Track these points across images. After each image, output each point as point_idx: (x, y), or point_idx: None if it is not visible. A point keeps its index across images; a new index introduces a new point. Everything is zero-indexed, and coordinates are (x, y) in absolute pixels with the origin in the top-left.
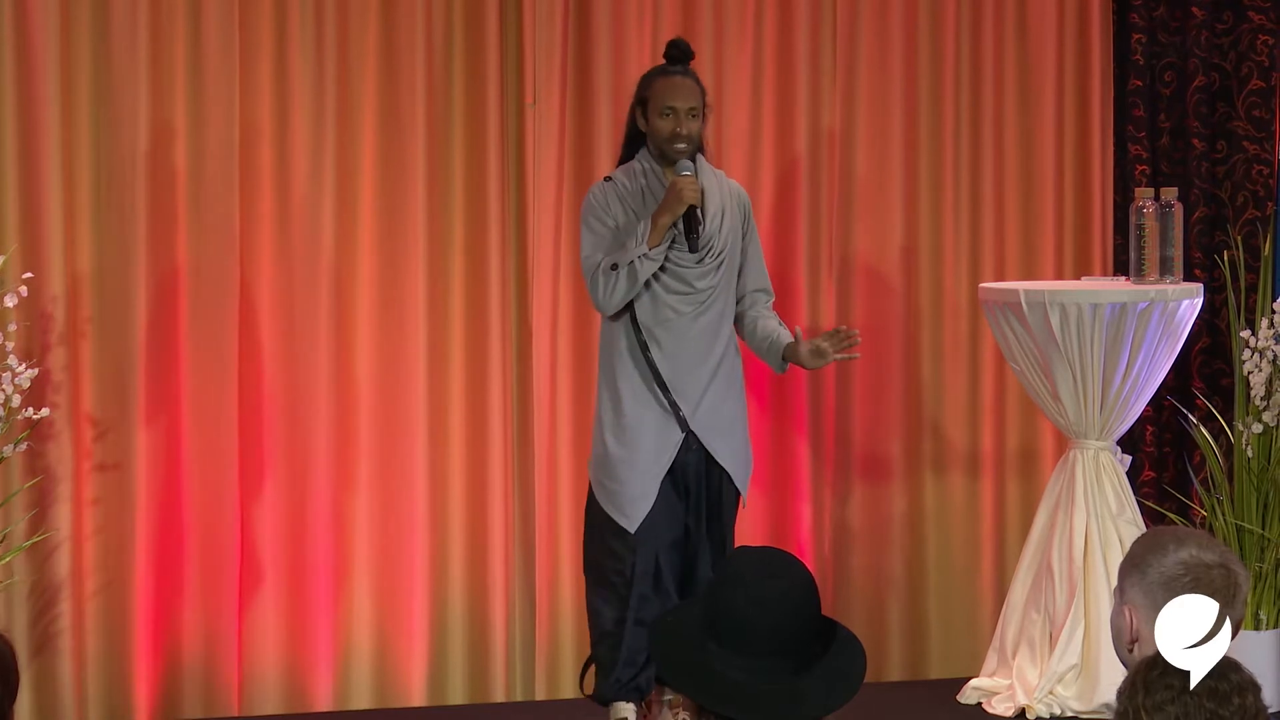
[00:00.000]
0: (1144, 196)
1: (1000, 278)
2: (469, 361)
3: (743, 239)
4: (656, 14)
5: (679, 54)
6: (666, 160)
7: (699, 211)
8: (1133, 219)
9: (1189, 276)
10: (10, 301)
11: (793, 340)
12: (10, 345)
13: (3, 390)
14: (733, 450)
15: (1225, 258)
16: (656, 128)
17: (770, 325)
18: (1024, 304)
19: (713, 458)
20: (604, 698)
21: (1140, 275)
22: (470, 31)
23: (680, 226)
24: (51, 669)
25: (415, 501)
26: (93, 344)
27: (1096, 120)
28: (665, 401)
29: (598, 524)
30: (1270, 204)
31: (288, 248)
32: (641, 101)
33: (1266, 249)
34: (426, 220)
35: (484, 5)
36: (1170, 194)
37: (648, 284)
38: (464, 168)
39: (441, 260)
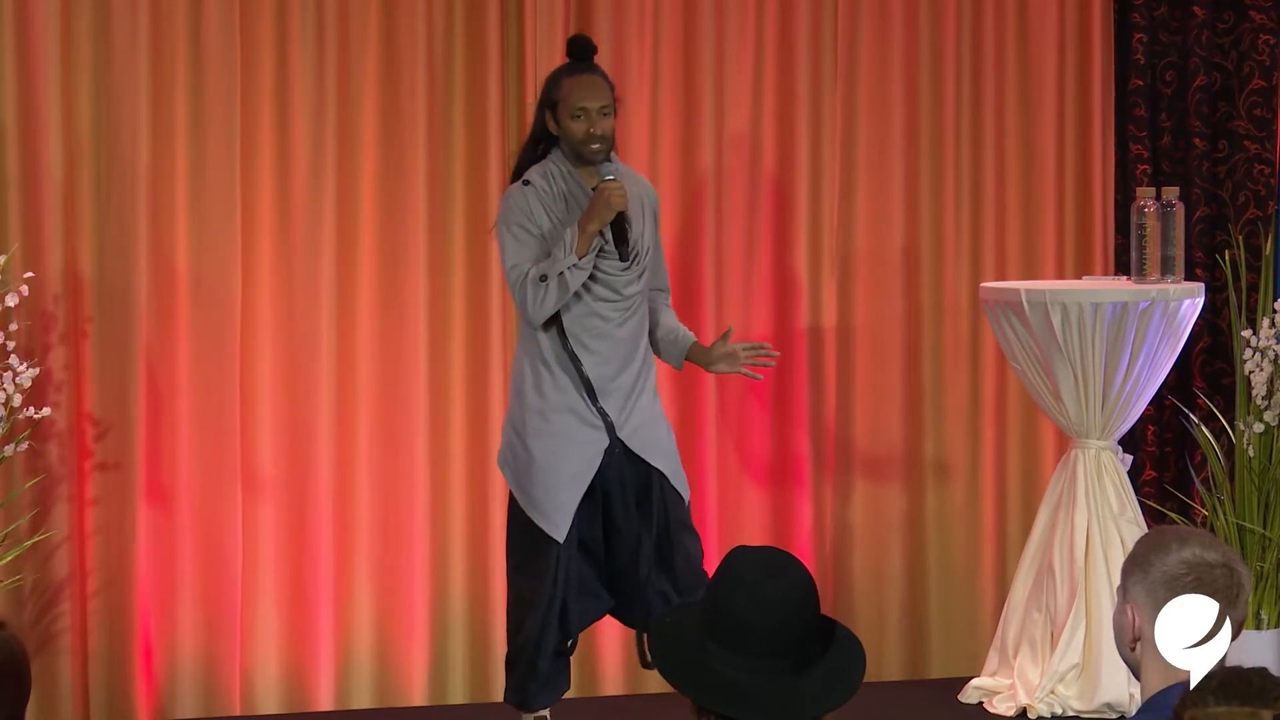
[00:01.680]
0: (1145, 196)
1: (1001, 277)
2: (469, 361)
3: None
4: (656, 14)
5: (582, 50)
6: (582, 162)
7: (628, 219)
8: (1134, 218)
9: (1190, 276)
10: (11, 301)
11: (696, 341)
12: (11, 345)
13: (4, 390)
14: (663, 451)
15: (1226, 257)
16: (570, 130)
17: (672, 320)
18: (1025, 303)
19: (636, 457)
20: (528, 706)
21: (1141, 275)
22: (470, 31)
23: (608, 235)
24: (52, 668)
25: (416, 501)
26: (94, 344)
27: (1097, 120)
28: (593, 409)
29: (520, 529)
30: (1271, 203)
31: (288, 247)
32: (551, 104)
33: (1268, 248)
34: (427, 220)
35: (484, 5)
36: (1171, 193)
37: (576, 293)
38: (464, 168)
39: (442, 260)
